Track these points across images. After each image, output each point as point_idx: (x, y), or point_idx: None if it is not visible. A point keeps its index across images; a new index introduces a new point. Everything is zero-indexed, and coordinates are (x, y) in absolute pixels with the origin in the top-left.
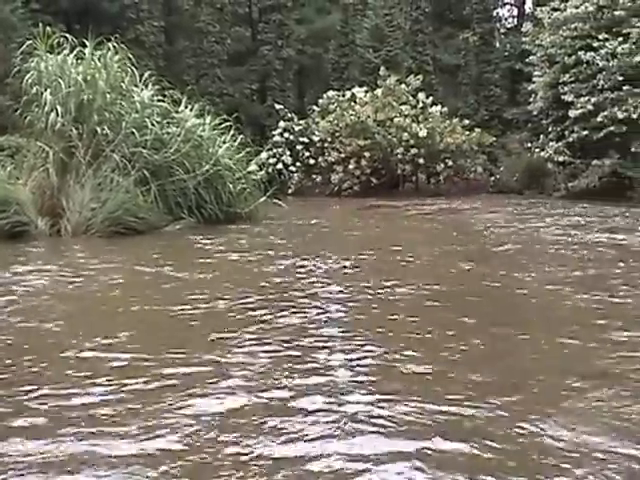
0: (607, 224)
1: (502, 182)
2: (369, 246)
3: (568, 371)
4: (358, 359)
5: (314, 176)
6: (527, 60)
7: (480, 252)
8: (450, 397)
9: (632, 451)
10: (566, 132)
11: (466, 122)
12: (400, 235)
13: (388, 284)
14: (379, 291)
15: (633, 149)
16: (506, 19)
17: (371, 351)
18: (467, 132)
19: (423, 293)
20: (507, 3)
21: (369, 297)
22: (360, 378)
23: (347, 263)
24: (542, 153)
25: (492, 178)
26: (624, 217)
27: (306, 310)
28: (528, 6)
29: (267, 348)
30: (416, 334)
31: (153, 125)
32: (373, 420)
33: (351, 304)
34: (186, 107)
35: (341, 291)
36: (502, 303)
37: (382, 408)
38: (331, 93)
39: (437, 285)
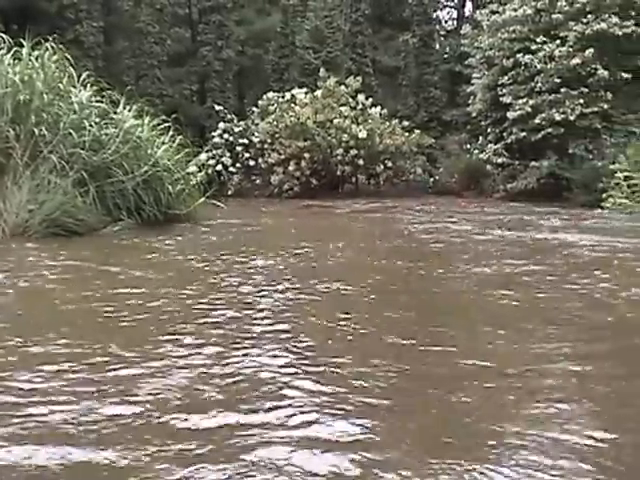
0: (525, 222)
1: (441, 183)
2: (300, 244)
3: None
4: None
5: (254, 177)
6: (466, 62)
7: (397, 250)
8: None
9: None
10: (504, 134)
11: (405, 123)
12: (330, 234)
13: (315, 282)
14: (306, 290)
15: (570, 151)
16: (446, 21)
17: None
18: (406, 133)
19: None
20: (447, 6)
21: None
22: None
23: (278, 259)
24: (481, 154)
25: (431, 179)
26: (541, 216)
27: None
28: (468, 9)
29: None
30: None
31: (91, 126)
32: None
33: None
34: (125, 108)
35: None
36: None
37: None
38: (271, 94)
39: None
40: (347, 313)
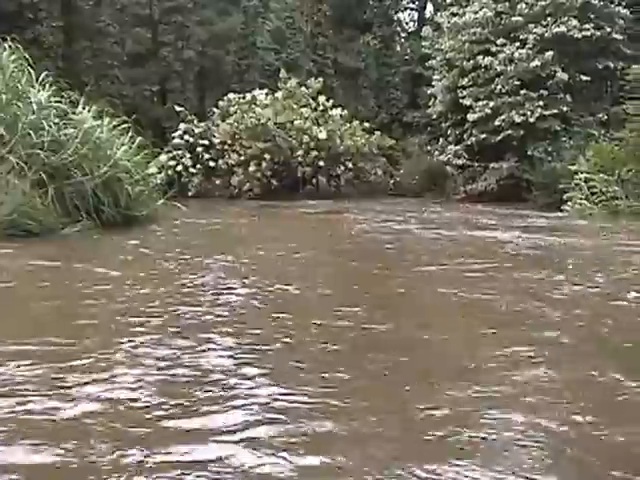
0: (472, 222)
1: (402, 185)
2: (256, 245)
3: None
4: None
5: (214, 178)
6: (427, 64)
7: (348, 250)
8: None
9: None
10: (465, 135)
11: (366, 125)
12: (285, 235)
13: (269, 282)
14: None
15: (530, 152)
16: (407, 23)
17: None
18: (367, 135)
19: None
20: (408, 8)
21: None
22: None
23: (230, 258)
24: (441, 156)
25: (392, 181)
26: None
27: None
28: (429, 11)
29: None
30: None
31: (50, 126)
32: None
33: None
34: (84, 108)
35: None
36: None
37: None
38: (232, 95)
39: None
40: (284, 312)
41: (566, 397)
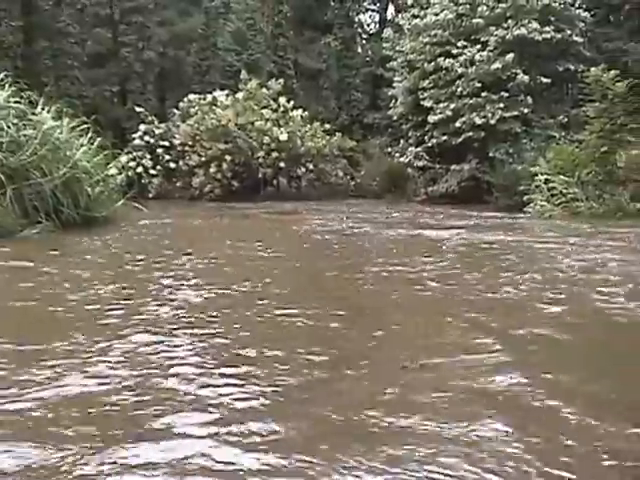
0: (417, 222)
1: (363, 186)
2: (214, 245)
3: None
4: None
5: (175, 180)
6: (388, 66)
7: (306, 250)
8: None
9: None
10: (426, 137)
11: (327, 126)
12: (242, 235)
13: (224, 280)
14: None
15: (491, 154)
16: (368, 25)
17: None
18: (328, 136)
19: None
20: (369, 9)
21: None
22: None
23: (186, 259)
24: (402, 158)
25: (353, 182)
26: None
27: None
28: (390, 12)
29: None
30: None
31: (9, 127)
32: None
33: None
34: (44, 109)
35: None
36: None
37: None
38: (192, 96)
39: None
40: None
41: None
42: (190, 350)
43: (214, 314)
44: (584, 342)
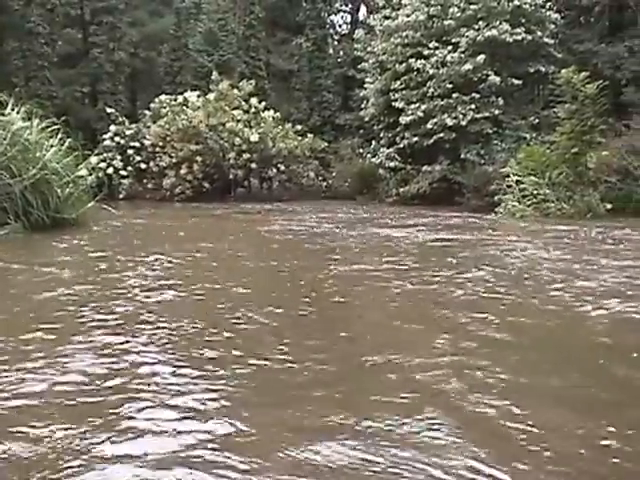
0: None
1: (334, 188)
2: (181, 246)
3: None
4: None
5: (145, 181)
6: (359, 67)
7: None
8: None
9: None
10: (397, 138)
11: (299, 127)
12: (209, 236)
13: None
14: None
15: (462, 155)
16: (340, 26)
17: None
18: (299, 137)
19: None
20: (341, 10)
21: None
22: None
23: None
24: (374, 159)
25: (324, 183)
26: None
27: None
28: (362, 13)
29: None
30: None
31: None
32: None
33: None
34: (13, 110)
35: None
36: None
37: None
38: (163, 97)
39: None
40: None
41: None
42: (152, 348)
43: (175, 312)
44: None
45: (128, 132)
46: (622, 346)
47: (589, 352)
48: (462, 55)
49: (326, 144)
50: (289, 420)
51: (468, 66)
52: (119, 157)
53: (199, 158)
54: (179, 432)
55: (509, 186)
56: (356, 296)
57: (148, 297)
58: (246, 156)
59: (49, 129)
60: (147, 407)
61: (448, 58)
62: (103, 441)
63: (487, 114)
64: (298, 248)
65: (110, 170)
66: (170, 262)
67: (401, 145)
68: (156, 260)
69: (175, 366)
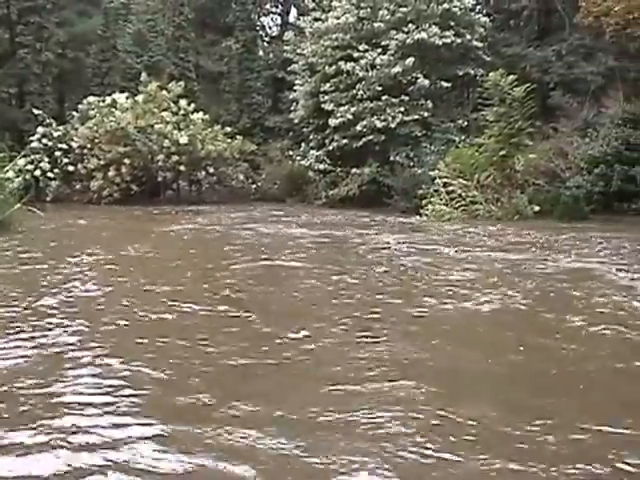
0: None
1: (264, 190)
2: (108, 249)
3: None
4: None
5: (73, 183)
6: (289, 69)
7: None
8: None
9: None
10: (327, 140)
11: (228, 129)
12: (131, 239)
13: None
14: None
15: (391, 158)
16: (270, 28)
17: None
18: (229, 139)
19: None
20: (271, 12)
21: None
22: None
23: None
24: (303, 161)
25: (254, 186)
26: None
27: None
28: (292, 15)
29: None
30: None
31: None
32: None
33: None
34: None
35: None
36: None
37: None
38: (91, 98)
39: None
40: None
41: None
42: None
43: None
44: None
45: (56, 134)
46: None
47: None
48: (391, 58)
49: (256, 146)
50: None
51: (397, 69)
52: (47, 159)
53: (127, 160)
54: None
55: (436, 190)
56: None
57: (70, 293)
58: (175, 158)
59: None
60: None
61: (378, 61)
62: None
63: (416, 117)
64: (219, 246)
65: (37, 172)
66: (91, 263)
67: (330, 147)
68: (79, 261)
69: None
